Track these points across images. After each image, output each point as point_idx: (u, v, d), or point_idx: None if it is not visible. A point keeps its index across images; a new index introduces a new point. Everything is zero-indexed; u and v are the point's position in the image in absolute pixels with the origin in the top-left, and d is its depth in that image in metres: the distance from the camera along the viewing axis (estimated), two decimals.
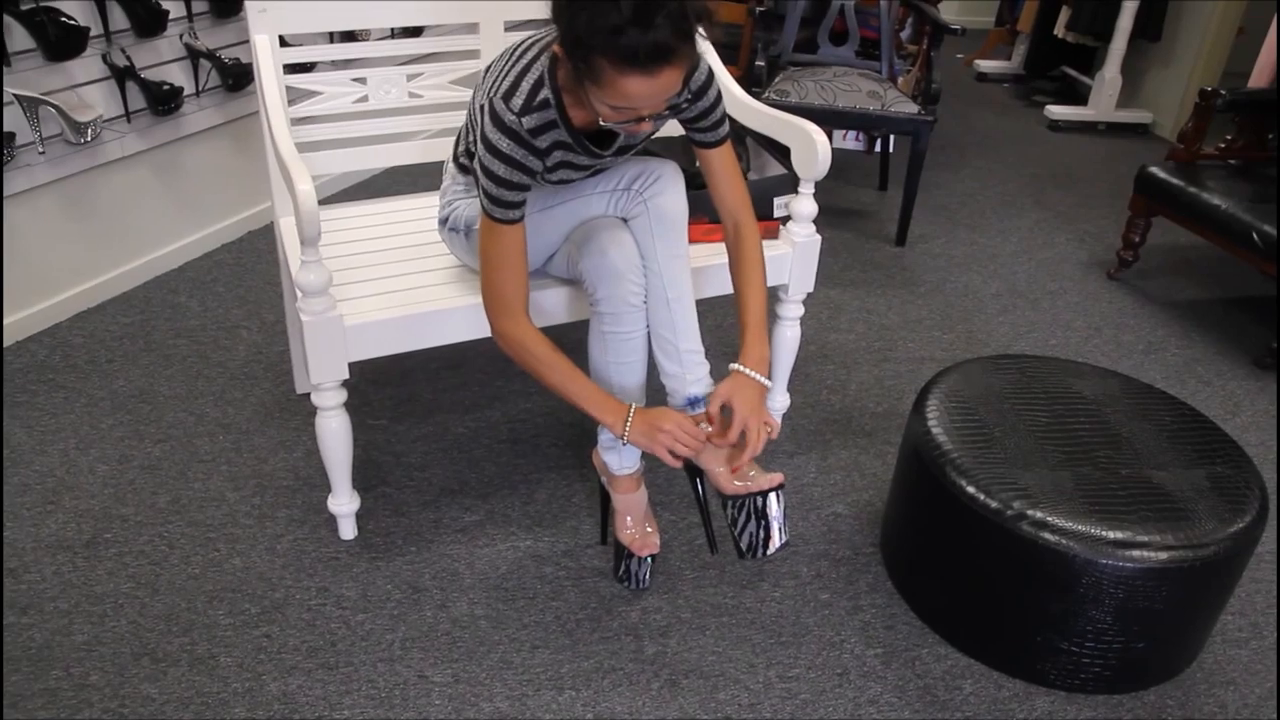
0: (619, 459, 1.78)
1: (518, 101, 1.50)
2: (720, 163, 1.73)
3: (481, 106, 1.54)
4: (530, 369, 1.62)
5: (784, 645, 1.78)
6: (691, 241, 2.06)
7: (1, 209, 2.38)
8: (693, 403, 1.69)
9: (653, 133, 1.65)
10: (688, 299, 1.70)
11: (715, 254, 2.02)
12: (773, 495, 1.65)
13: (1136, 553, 1.57)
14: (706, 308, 2.86)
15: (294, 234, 2.00)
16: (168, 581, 1.83)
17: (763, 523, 1.66)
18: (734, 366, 1.66)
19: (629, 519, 1.83)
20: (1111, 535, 1.58)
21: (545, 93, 1.52)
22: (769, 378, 1.66)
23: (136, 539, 1.92)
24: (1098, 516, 1.61)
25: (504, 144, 1.51)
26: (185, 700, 1.61)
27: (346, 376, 1.76)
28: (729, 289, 2.04)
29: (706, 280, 2.02)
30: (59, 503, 2.00)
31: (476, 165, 1.56)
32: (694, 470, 1.70)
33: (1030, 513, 1.62)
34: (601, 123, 1.48)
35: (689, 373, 1.69)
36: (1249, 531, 1.63)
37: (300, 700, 1.62)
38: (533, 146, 1.53)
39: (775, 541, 1.66)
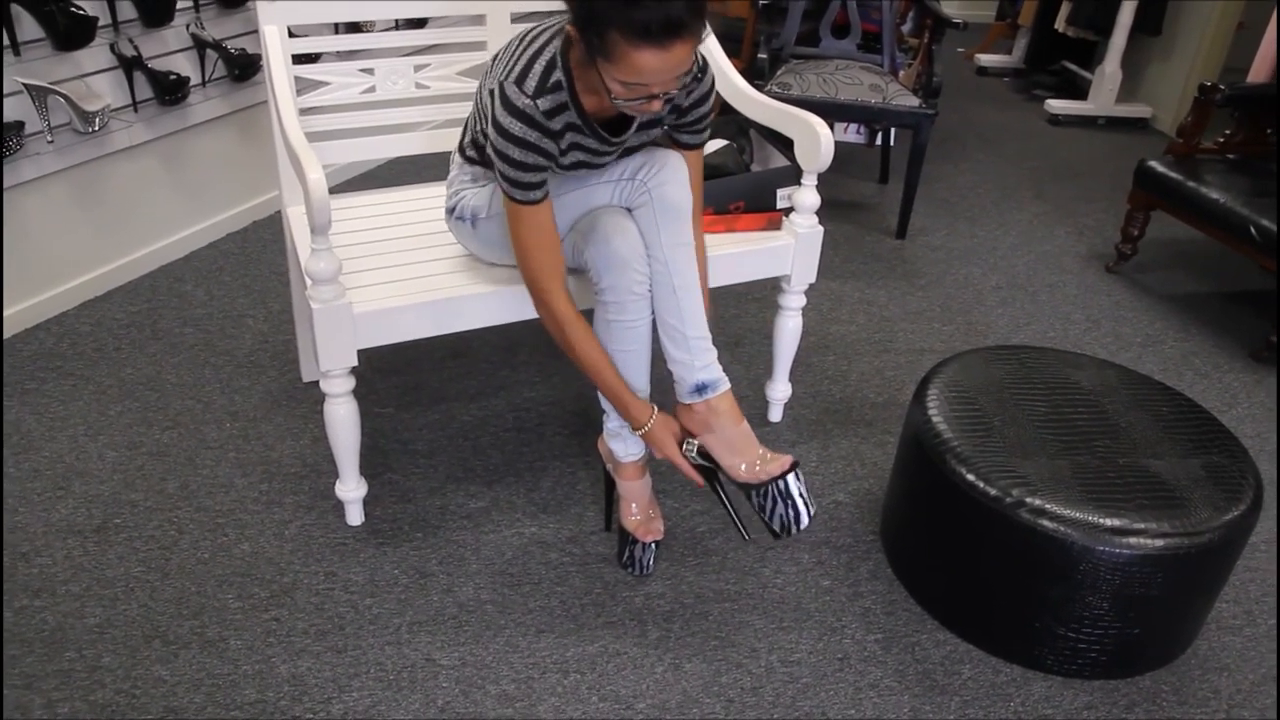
0: (624, 446, 1.81)
1: (531, 84, 1.52)
2: (694, 166, 1.77)
3: (491, 92, 1.55)
4: (566, 347, 1.67)
5: (785, 630, 1.80)
6: None
7: (1, 201, 2.40)
8: (700, 389, 1.71)
9: (662, 118, 1.67)
10: (694, 286, 1.73)
11: (717, 244, 2.04)
12: (790, 476, 1.67)
13: (1133, 540, 1.59)
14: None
15: (303, 223, 2.02)
16: (178, 566, 1.86)
17: (789, 502, 1.68)
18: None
19: (633, 506, 1.85)
20: (1108, 523, 1.61)
21: (558, 74, 1.54)
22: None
23: (146, 524, 1.95)
24: (1095, 504, 1.64)
25: (515, 127, 1.53)
26: (196, 682, 1.63)
27: (355, 363, 1.78)
28: (732, 279, 2.07)
29: (711, 269, 2.03)
30: (69, 488, 2.02)
31: (490, 151, 1.57)
32: (710, 472, 1.74)
33: (1029, 500, 1.64)
34: (612, 100, 1.50)
35: (696, 359, 1.72)
36: (1244, 520, 1.66)
37: (310, 682, 1.65)
38: (546, 129, 1.55)
39: (805, 516, 1.68)
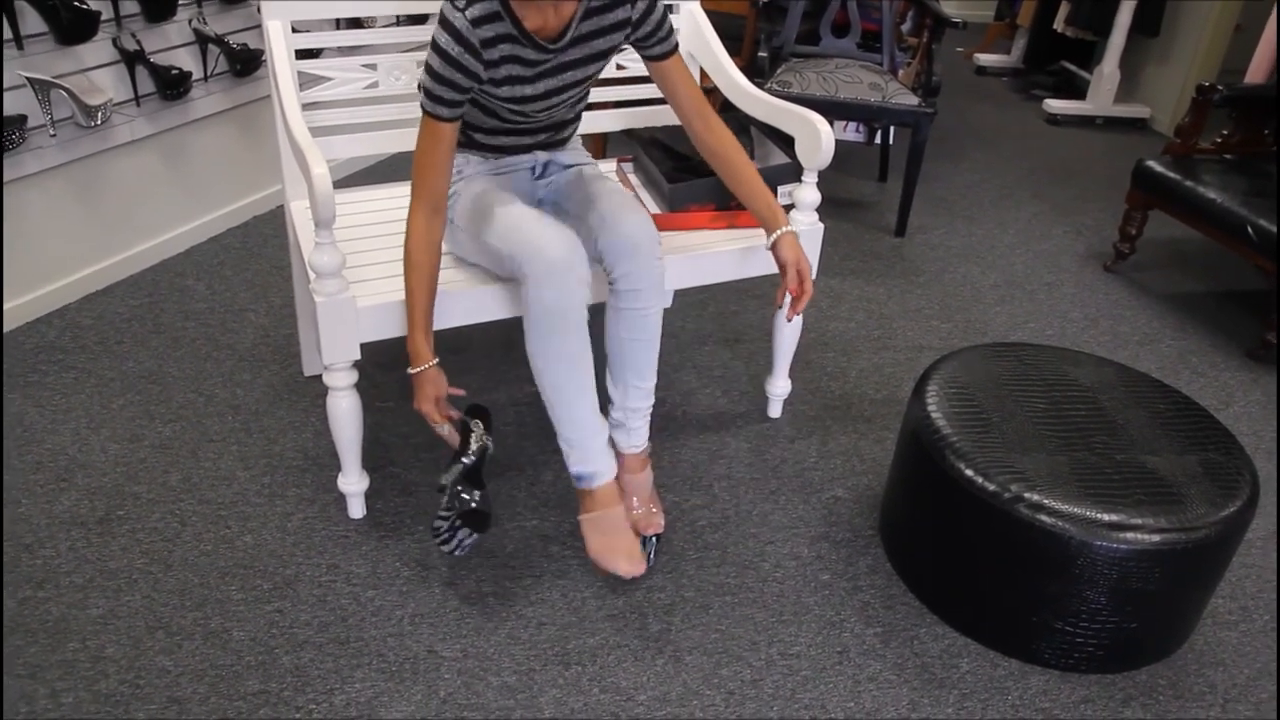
0: (628, 437, 1.82)
1: None
2: (676, 71, 1.80)
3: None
4: (405, 261, 1.69)
5: (785, 624, 1.82)
6: (697, 228, 2.11)
7: (1, 195, 2.40)
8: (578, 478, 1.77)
9: (602, 29, 1.68)
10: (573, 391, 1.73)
11: (723, 240, 2.05)
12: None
13: (1130, 535, 1.61)
14: (709, 295, 2.90)
15: (306, 217, 2.03)
16: (180, 558, 1.87)
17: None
18: (777, 233, 1.78)
19: (635, 499, 1.86)
20: (1106, 518, 1.62)
21: None
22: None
23: (149, 516, 1.95)
24: (1093, 500, 1.65)
25: (444, 39, 1.57)
26: (200, 673, 1.64)
27: (358, 357, 1.79)
28: (733, 275, 2.08)
29: (713, 265, 2.05)
30: (72, 480, 2.03)
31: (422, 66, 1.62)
32: (464, 439, 1.82)
33: (1027, 496, 1.66)
34: None
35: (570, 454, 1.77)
36: (1240, 515, 1.67)
37: (312, 673, 1.65)
38: (471, 45, 1.58)
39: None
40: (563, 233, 1.67)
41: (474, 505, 1.77)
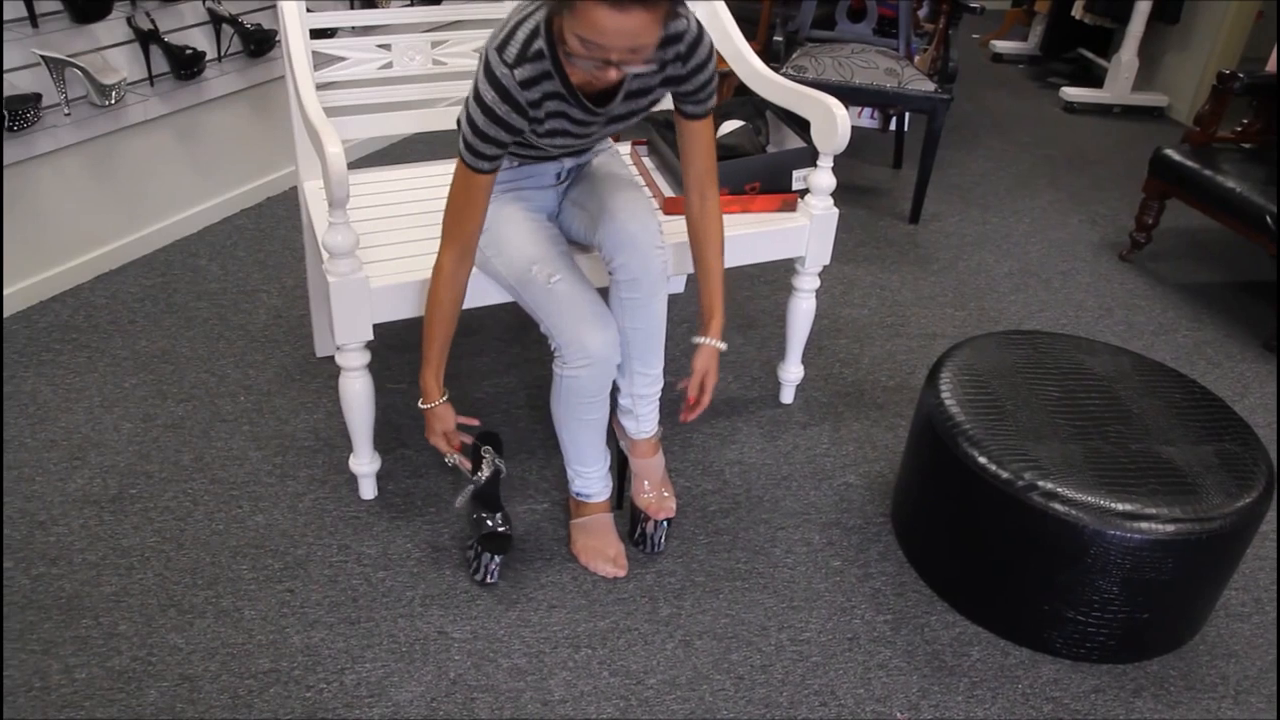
0: (637, 423, 1.81)
1: (511, 51, 1.50)
2: (701, 133, 1.75)
3: (480, 54, 1.54)
4: (429, 296, 1.70)
5: (795, 610, 1.81)
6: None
7: (1, 177, 2.40)
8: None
9: (652, 88, 1.65)
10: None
11: (735, 224, 2.04)
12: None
13: (1144, 524, 1.60)
14: None
15: (320, 197, 2.03)
16: (192, 536, 1.87)
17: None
18: (703, 340, 1.78)
19: (646, 483, 1.86)
20: (1120, 507, 1.61)
21: (539, 44, 1.50)
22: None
23: (161, 495, 1.96)
24: (1107, 489, 1.64)
25: (489, 95, 1.51)
26: (211, 651, 1.65)
27: (371, 337, 1.79)
28: (747, 260, 2.07)
29: (726, 250, 2.03)
30: (85, 459, 2.04)
31: (462, 109, 1.57)
32: (476, 462, 1.86)
33: (1041, 484, 1.65)
34: (567, 57, 1.45)
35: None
36: (1255, 507, 1.66)
37: (323, 653, 1.66)
38: (518, 103, 1.52)
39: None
40: (600, 316, 1.69)
41: (490, 527, 1.80)
